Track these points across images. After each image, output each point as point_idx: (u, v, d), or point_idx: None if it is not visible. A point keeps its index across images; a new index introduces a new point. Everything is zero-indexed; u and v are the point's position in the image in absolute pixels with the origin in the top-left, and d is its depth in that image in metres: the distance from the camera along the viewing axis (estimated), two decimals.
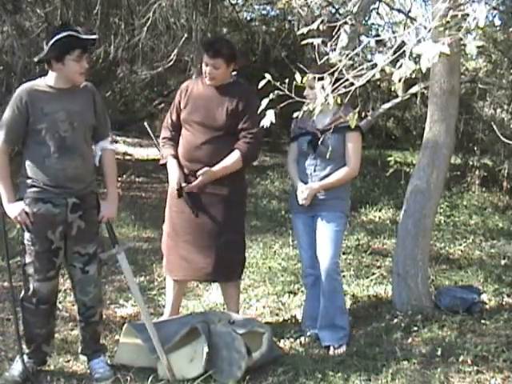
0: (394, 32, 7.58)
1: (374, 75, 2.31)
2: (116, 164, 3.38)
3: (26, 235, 3.09)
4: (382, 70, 2.27)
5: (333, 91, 2.40)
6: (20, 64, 6.77)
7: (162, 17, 6.96)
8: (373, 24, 8.80)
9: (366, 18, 6.86)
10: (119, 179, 8.50)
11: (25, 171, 3.09)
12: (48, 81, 3.08)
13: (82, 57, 3.04)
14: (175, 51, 7.11)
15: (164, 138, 3.74)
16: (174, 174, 3.61)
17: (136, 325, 3.46)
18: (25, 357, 3.21)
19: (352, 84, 2.39)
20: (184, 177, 3.60)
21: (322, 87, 2.39)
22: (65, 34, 2.98)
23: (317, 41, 2.51)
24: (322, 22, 2.72)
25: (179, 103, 3.69)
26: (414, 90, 6.49)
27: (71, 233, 3.14)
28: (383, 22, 7.83)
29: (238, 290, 3.84)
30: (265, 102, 2.43)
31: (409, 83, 7.11)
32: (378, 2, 6.57)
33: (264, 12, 11.09)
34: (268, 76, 2.43)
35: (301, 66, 2.87)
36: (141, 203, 7.37)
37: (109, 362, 3.36)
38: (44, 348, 3.28)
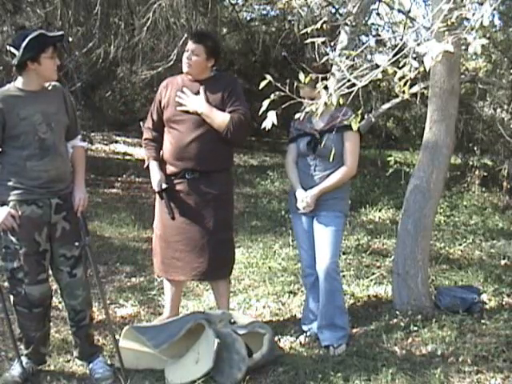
0: (393, 32, 7.58)
1: (375, 75, 2.31)
2: (86, 159, 3.35)
3: (13, 239, 3.03)
4: (384, 71, 2.27)
5: (335, 91, 2.40)
6: None
7: (161, 17, 6.94)
8: (373, 24, 8.80)
9: (366, 18, 6.84)
10: (119, 179, 8.51)
11: (4, 175, 3.04)
12: (18, 85, 3.06)
13: (55, 54, 3.05)
14: (175, 51, 7.09)
15: (146, 140, 3.73)
16: (155, 177, 3.60)
17: (137, 327, 3.46)
18: (23, 358, 3.21)
19: (354, 85, 2.39)
20: (167, 177, 3.60)
21: (325, 87, 2.38)
22: (36, 33, 2.97)
23: (319, 40, 2.51)
24: (325, 22, 2.72)
25: (160, 103, 3.66)
26: (414, 89, 6.48)
27: (56, 234, 3.11)
28: (383, 22, 7.82)
29: (229, 286, 3.87)
30: (265, 103, 2.43)
31: (409, 83, 7.09)
32: (377, 2, 6.56)
33: (264, 12, 11.11)
34: (269, 77, 2.43)
35: (303, 65, 2.87)
36: (141, 203, 7.37)
37: (108, 361, 3.37)
38: (41, 350, 3.28)
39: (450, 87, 3.93)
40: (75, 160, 3.26)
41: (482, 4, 2.10)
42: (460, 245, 5.73)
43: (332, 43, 5.91)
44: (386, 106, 7.34)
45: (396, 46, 2.41)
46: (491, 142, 8.53)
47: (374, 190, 7.95)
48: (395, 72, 2.25)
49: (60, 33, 3.17)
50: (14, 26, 6.74)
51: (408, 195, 4.10)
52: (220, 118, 3.48)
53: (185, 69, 3.57)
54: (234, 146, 3.70)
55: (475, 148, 8.57)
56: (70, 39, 7.47)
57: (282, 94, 2.41)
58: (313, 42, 2.77)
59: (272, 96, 2.41)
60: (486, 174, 8.22)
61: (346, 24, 5.69)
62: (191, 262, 3.60)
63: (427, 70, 2.16)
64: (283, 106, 2.47)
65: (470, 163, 8.66)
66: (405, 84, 2.25)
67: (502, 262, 5.23)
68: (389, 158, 6.83)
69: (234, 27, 11.17)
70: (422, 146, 4.11)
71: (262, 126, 2.44)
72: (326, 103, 2.40)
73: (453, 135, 4.09)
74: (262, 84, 2.46)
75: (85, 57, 7.81)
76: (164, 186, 3.58)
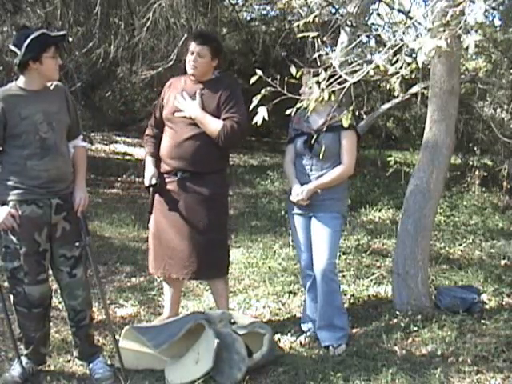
0: (393, 32, 7.57)
1: (368, 73, 2.31)
2: (86, 159, 3.34)
3: (13, 239, 3.03)
4: (377, 67, 2.27)
5: (327, 87, 2.41)
6: None
7: (161, 17, 6.94)
8: (373, 24, 8.80)
9: (366, 19, 6.84)
10: (119, 179, 8.51)
11: (4, 175, 3.04)
12: (20, 84, 3.06)
13: (57, 53, 3.05)
14: (175, 51, 7.10)
15: (147, 136, 3.80)
16: (147, 172, 3.65)
17: (137, 328, 3.46)
18: (23, 358, 3.20)
19: (346, 80, 2.40)
20: (161, 175, 3.62)
21: (317, 82, 2.40)
22: (38, 33, 2.98)
23: (311, 34, 2.53)
24: (316, 16, 2.74)
25: (162, 100, 3.70)
26: (414, 90, 6.48)
27: (56, 235, 3.11)
28: (383, 22, 7.81)
29: (227, 286, 3.86)
30: (256, 98, 2.45)
31: (409, 83, 7.11)
32: (377, 2, 6.56)
33: (264, 12, 11.11)
34: (259, 72, 2.44)
35: (301, 64, 2.88)
36: (141, 203, 7.36)
37: (108, 362, 3.36)
38: (41, 350, 3.28)
39: (450, 87, 3.93)
40: (76, 160, 3.26)
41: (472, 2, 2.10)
42: (460, 245, 5.73)
43: (330, 41, 5.91)
44: (386, 105, 7.33)
45: (395, 45, 2.41)
46: (491, 142, 8.51)
47: (374, 190, 7.94)
48: (386, 69, 2.25)
49: (62, 32, 3.18)
50: (14, 26, 6.74)
51: (408, 195, 4.10)
52: (212, 126, 3.48)
53: (190, 71, 3.56)
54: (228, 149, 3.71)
55: (475, 148, 8.57)
56: (70, 39, 7.46)
57: (282, 94, 2.42)
58: (313, 42, 2.79)
59: (263, 91, 2.42)
60: (486, 173, 8.21)
61: (347, 24, 5.69)
62: (182, 260, 3.60)
63: (420, 65, 2.16)
64: (274, 102, 2.48)
65: (470, 163, 8.65)
66: (401, 82, 2.25)
67: (502, 262, 5.23)
68: (389, 158, 6.83)
69: (234, 27, 11.17)
70: (422, 145, 4.11)
71: (253, 122, 2.45)
72: (317, 98, 2.41)
73: (453, 135, 4.09)
74: (253, 79, 2.48)
75: (85, 57, 7.81)
76: (154, 181, 3.60)
